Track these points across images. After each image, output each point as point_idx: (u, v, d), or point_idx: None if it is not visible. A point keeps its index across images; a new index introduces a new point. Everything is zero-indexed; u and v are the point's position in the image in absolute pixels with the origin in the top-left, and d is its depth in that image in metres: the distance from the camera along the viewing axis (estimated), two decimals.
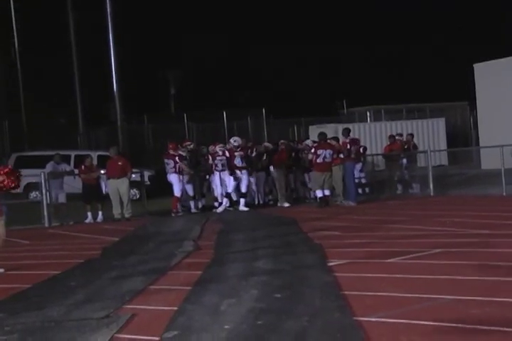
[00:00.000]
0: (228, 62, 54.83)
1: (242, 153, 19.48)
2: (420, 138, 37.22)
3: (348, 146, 19.70)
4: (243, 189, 19.50)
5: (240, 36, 55.81)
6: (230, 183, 19.49)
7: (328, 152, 19.01)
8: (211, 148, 20.29)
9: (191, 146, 20.57)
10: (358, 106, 46.91)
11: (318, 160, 19.02)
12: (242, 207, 19.38)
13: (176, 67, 53.15)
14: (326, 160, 18.99)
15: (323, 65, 56.02)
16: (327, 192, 19.08)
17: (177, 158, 19.49)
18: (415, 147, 23.34)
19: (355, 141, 20.63)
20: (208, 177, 20.38)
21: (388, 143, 22.63)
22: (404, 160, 22.20)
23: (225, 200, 19.64)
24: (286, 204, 20.00)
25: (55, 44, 41.86)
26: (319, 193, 19.08)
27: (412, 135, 24.16)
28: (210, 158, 19.98)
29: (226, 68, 54.36)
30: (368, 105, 46.02)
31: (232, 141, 20.07)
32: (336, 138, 20.15)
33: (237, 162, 19.38)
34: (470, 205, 17.57)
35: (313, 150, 19.30)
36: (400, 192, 21.39)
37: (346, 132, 20.31)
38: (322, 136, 19.77)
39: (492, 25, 54.17)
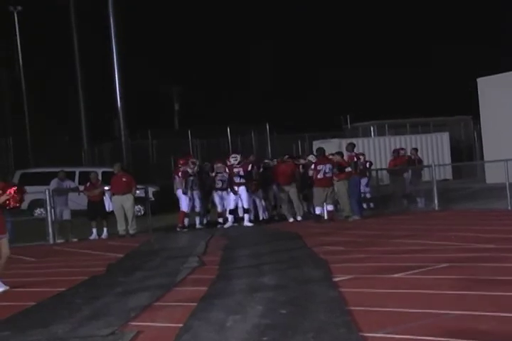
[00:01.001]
0: (231, 77, 54.97)
1: (241, 169, 19.45)
2: (424, 153, 37.18)
3: (355, 160, 19.70)
4: (245, 205, 19.49)
5: (243, 51, 56.00)
6: (230, 199, 19.51)
7: (327, 167, 19.04)
8: (216, 164, 20.25)
9: (197, 163, 20.58)
10: (362, 121, 46.93)
11: (318, 176, 19.03)
12: (246, 223, 19.36)
13: (179, 82, 53.33)
14: (327, 175, 19.01)
15: (327, 81, 56.09)
16: (330, 208, 19.10)
17: (180, 173, 19.53)
18: (420, 161, 23.30)
19: (359, 156, 20.59)
20: (213, 193, 20.32)
21: (392, 157, 22.60)
22: (408, 175, 22.14)
23: (230, 217, 19.63)
24: (299, 218, 20.02)
25: (59, 61, 42.02)
26: (318, 210, 19.13)
27: (416, 149, 24.11)
28: (213, 174, 20.00)
29: (229, 84, 54.51)
30: (371, 120, 46.06)
31: (231, 158, 20.06)
32: (341, 153, 20.11)
33: (236, 178, 19.39)
34: (475, 220, 17.53)
35: (313, 167, 19.31)
36: (405, 207, 21.36)
37: (351, 147, 20.32)
38: (320, 151, 19.86)
39: (495, 39, 54.30)
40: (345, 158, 19.86)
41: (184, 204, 19.45)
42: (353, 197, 19.28)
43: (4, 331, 7.73)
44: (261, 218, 20.31)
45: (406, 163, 21.97)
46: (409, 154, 23.20)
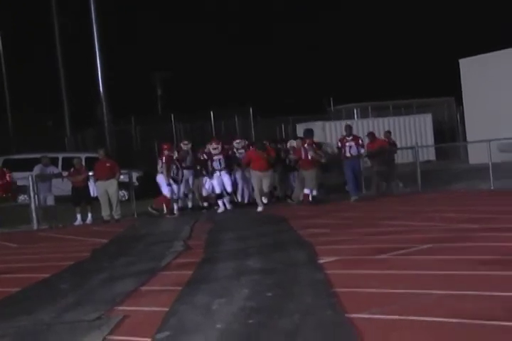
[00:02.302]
0: (214, 61, 54.83)
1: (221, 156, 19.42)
2: (408, 134, 37.42)
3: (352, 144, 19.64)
4: (228, 188, 19.56)
5: (227, 35, 55.86)
6: (217, 183, 19.47)
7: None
8: (209, 146, 19.92)
9: (189, 146, 20.39)
10: (345, 104, 47.02)
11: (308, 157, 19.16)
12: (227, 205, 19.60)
13: (161, 67, 53.11)
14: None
15: (309, 63, 56.07)
16: (307, 191, 19.37)
17: (163, 158, 19.40)
18: (394, 145, 23.18)
19: (357, 138, 20.31)
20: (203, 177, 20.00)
21: (369, 141, 22.49)
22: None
23: (221, 201, 19.52)
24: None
25: (41, 46, 41.75)
26: (315, 192, 19.23)
27: (389, 132, 23.99)
28: (205, 157, 19.75)
29: (212, 67, 54.36)
30: (354, 102, 46.17)
31: (235, 143, 20.76)
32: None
33: (215, 165, 19.34)
34: (458, 200, 17.62)
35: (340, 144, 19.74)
36: (388, 190, 21.37)
37: (349, 129, 20.13)
38: (309, 133, 20.05)
39: (477, 19, 54.36)
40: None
41: (165, 190, 19.35)
42: (348, 180, 19.49)
43: None
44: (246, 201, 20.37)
45: (386, 146, 21.93)
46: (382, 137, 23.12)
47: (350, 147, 19.48)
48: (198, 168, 19.88)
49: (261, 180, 18.75)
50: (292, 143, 20.84)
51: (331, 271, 8.91)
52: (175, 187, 19.32)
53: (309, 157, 19.14)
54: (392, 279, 8.28)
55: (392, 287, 7.75)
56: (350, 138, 19.71)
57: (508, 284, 7.54)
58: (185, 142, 20.62)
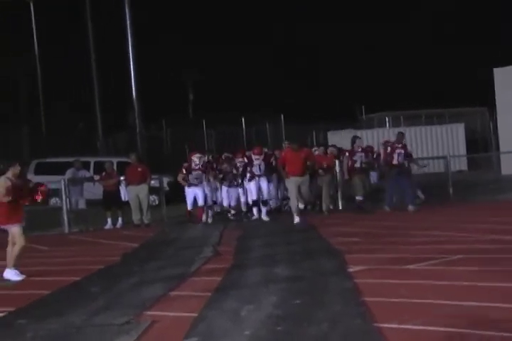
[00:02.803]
0: (247, 66, 54.90)
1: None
2: (440, 144, 37.20)
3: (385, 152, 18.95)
4: (265, 196, 18.53)
5: (258, 41, 55.93)
6: (253, 189, 18.46)
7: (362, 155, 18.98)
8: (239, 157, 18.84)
9: (203, 158, 18.93)
10: (377, 112, 46.91)
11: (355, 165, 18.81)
12: (264, 216, 18.43)
13: (194, 72, 53.35)
14: (363, 164, 19.00)
15: (343, 71, 55.95)
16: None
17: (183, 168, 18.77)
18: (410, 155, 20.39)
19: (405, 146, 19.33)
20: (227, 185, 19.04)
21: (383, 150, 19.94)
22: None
23: (255, 209, 18.59)
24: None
25: (75, 50, 42.11)
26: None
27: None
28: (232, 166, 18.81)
29: (245, 72, 54.44)
30: (386, 111, 46.03)
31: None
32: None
33: (255, 170, 18.44)
34: (491, 211, 17.46)
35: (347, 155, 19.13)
36: (421, 199, 20.80)
37: (401, 136, 19.33)
38: (354, 139, 19.58)
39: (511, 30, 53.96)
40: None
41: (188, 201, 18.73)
42: (390, 188, 18.80)
43: (20, 319, 7.79)
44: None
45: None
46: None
47: (399, 154, 18.62)
48: (221, 176, 18.99)
49: (298, 186, 16.87)
50: (316, 150, 20.35)
51: (360, 279, 8.90)
52: (201, 194, 18.65)
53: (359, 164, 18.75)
54: (422, 289, 8.25)
55: (422, 297, 7.72)
56: (400, 145, 18.92)
57: None
58: (198, 155, 18.95)
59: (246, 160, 18.73)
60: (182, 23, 55.29)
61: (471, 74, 50.57)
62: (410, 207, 18.07)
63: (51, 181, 19.53)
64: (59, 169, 22.02)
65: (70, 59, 43.55)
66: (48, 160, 29.20)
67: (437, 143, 37.33)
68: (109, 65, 38.85)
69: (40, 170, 25.50)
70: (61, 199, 19.25)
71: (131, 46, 28.26)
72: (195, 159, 18.59)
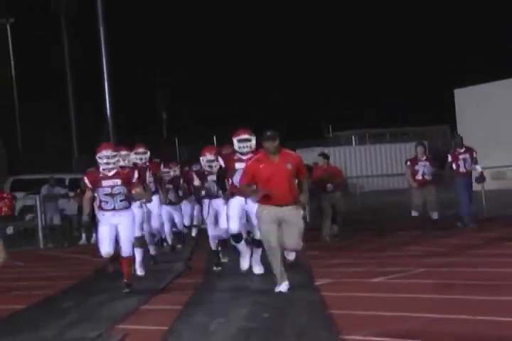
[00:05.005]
0: (217, 84, 55.32)
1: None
2: (403, 161, 38.06)
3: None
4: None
5: (226, 61, 56.41)
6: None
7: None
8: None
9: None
10: (344, 130, 47.91)
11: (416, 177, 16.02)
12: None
13: (166, 88, 53.83)
14: (425, 176, 16.04)
15: (309, 90, 56.65)
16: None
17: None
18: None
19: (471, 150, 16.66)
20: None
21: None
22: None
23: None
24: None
25: (50, 68, 42.27)
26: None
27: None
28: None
29: (215, 91, 54.90)
30: (352, 129, 47.10)
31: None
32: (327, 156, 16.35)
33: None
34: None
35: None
36: None
37: (460, 139, 16.98)
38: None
39: (473, 51, 55.18)
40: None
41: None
42: (463, 202, 16.23)
43: None
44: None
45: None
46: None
47: (465, 160, 16.19)
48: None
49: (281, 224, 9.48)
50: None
51: (326, 292, 9.08)
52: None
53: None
54: (387, 302, 8.45)
55: (387, 310, 7.91)
56: (463, 149, 16.39)
57: None
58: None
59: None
60: (154, 34, 55.77)
61: (433, 95, 51.72)
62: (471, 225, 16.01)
63: (26, 198, 19.77)
64: (35, 186, 22.12)
65: (46, 76, 43.64)
66: (25, 177, 29.25)
67: (401, 161, 38.23)
68: (85, 81, 38.99)
69: (16, 186, 25.55)
70: (37, 216, 19.36)
71: (106, 64, 28.33)
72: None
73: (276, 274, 9.21)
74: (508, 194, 23.90)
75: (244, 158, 10.47)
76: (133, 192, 10.06)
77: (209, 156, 12.07)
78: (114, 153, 10.08)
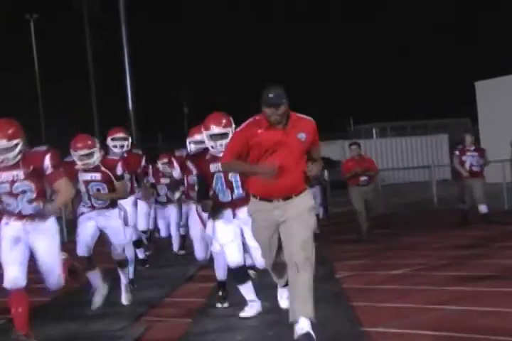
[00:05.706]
0: (237, 81, 55.49)
1: None
2: (424, 154, 38.11)
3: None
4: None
5: (248, 54, 56.48)
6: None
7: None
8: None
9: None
10: (365, 124, 47.82)
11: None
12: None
13: (186, 87, 54.06)
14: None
15: (330, 83, 56.61)
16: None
17: None
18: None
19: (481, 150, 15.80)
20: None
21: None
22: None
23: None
24: None
25: (72, 67, 42.57)
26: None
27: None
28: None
29: (235, 87, 55.06)
30: (373, 122, 47.02)
31: None
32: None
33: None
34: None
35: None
36: None
37: (470, 137, 15.94)
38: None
39: (494, 43, 54.89)
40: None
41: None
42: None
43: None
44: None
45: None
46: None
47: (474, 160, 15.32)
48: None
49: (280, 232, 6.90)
50: None
51: (347, 285, 9.16)
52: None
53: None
54: (409, 294, 8.46)
55: (410, 302, 7.91)
56: (473, 148, 15.54)
57: None
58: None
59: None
60: (178, 39, 55.93)
61: (454, 87, 51.49)
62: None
63: None
64: None
65: (70, 78, 43.90)
66: None
67: (422, 153, 38.27)
68: (107, 78, 39.22)
69: None
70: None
71: (128, 61, 28.31)
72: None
73: (279, 288, 7.41)
74: None
75: (220, 155, 7.01)
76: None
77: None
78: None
